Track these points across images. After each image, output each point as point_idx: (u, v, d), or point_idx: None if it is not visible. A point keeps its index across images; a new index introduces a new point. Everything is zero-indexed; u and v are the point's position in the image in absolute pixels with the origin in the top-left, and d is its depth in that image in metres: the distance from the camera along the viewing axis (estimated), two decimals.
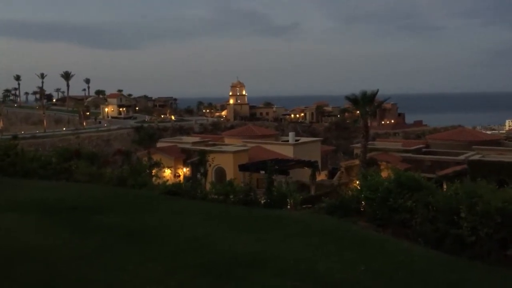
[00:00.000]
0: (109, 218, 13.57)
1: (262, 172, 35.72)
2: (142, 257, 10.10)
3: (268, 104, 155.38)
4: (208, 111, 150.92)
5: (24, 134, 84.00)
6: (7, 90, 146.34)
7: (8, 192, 17.02)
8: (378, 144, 54.63)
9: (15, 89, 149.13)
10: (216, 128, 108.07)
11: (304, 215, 15.98)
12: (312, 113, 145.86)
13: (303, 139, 61.07)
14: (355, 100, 43.32)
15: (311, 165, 43.70)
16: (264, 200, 17.48)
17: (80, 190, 18.07)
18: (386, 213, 14.57)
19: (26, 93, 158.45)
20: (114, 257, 10.03)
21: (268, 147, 51.80)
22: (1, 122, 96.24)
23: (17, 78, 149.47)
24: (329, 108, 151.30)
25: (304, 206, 19.42)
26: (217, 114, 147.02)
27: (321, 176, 48.33)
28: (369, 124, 45.29)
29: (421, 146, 53.94)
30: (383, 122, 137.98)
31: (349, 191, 18.67)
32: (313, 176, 42.50)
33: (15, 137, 60.92)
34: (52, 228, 12.13)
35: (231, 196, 17.07)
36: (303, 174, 43.30)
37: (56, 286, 8.28)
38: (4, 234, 11.31)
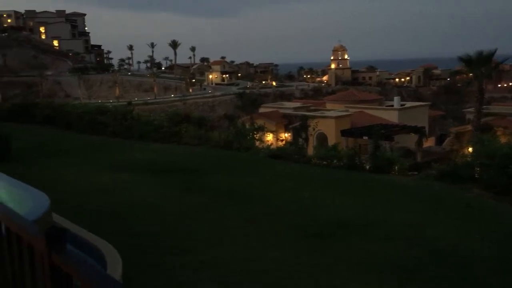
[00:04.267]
0: (215, 178, 14.19)
1: (365, 137, 34.89)
2: (245, 216, 10.46)
3: (371, 68, 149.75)
4: (309, 76, 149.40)
5: (137, 100, 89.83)
6: (121, 60, 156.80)
7: (126, 153, 18.48)
8: (494, 108, 50.47)
9: (129, 58, 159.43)
10: (317, 94, 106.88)
11: (411, 181, 15.43)
12: (419, 77, 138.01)
13: (408, 104, 58.27)
14: (468, 61, 40.08)
15: (418, 130, 41.70)
16: (369, 165, 17.11)
17: (189, 152, 19.06)
18: (505, 180, 13.53)
19: (138, 62, 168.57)
20: (219, 215, 10.50)
21: (371, 112, 50.22)
22: (118, 89, 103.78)
23: (130, 48, 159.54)
24: (437, 71, 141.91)
25: (409, 173, 18.70)
26: (318, 79, 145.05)
27: (428, 142, 46.01)
28: (484, 87, 41.76)
29: None
30: (499, 85, 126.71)
31: (461, 158, 17.57)
32: (419, 142, 40.59)
33: (129, 103, 65.43)
34: (163, 187, 12.99)
35: (335, 161, 16.93)
36: (409, 140, 41.54)
37: (167, 236, 8.91)
38: (124, 191, 12.35)
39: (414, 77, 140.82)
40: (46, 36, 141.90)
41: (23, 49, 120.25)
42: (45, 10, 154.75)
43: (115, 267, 5.78)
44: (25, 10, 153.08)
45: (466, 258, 8.40)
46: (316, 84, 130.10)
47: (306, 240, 9.00)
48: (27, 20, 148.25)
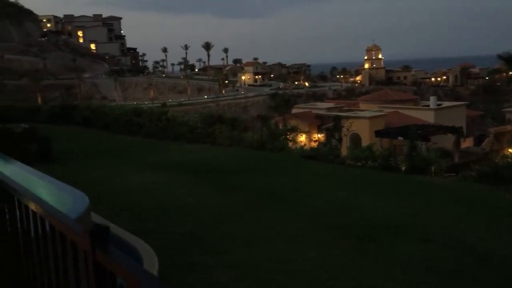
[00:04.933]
0: (250, 179, 14.22)
1: (401, 138, 34.24)
2: (282, 217, 10.43)
3: (406, 68, 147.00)
4: (342, 76, 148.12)
5: (171, 102, 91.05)
6: (156, 62, 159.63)
7: (162, 154, 18.77)
8: None
9: (163, 60, 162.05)
10: (351, 94, 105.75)
11: (449, 183, 15.05)
12: (456, 76, 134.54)
13: (445, 104, 56.88)
14: (509, 59, 38.88)
15: (455, 131, 40.63)
16: (405, 166, 16.79)
17: (223, 153, 19.18)
18: None
19: (172, 64, 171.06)
20: (255, 216, 10.50)
21: (406, 112, 49.27)
22: (152, 91, 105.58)
23: (164, 50, 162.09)
24: (475, 70, 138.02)
25: (447, 174, 18.24)
26: (351, 79, 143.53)
27: (466, 143, 44.77)
28: None
29: None
30: None
31: (502, 158, 17.01)
32: (457, 143, 39.54)
33: (163, 105, 66.40)
34: (199, 187, 13.11)
35: (370, 161, 16.70)
36: (446, 141, 40.53)
37: (203, 236, 8.97)
38: (161, 190, 12.53)
39: (451, 76, 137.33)
40: (84, 40, 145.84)
41: (62, 52, 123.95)
42: (83, 14, 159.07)
43: (151, 266, 5.86)
44: (64, 15, 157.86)
45: (508, 259, 8.15)
46: (349, 84, 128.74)
47: (344, 241, 8.90)
48: (65, 25, 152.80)
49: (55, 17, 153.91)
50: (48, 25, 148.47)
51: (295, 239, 9.02)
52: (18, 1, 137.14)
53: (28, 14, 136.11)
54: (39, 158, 15.48)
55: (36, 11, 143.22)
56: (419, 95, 77.01)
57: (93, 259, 1.43)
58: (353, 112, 49.34)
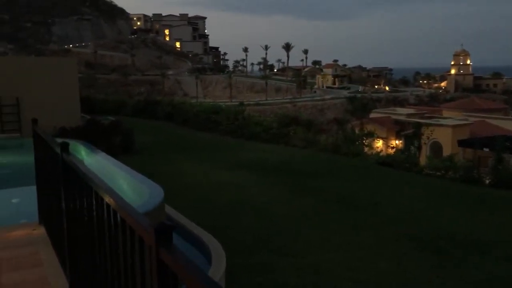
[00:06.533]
0: (323, 182, 14.05)
1: (486, 149, 32.22)
2: (354, 223, 10.20)
3: (497, 75, 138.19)
4: (425, 82, 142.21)
5: (248, 101, 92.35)
6: (236, 61, 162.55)
7: (237, 152, 19.07)
8: None
9: (243, 60, 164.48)
10: (434, 100, 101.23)
11: None
12: None
13: None
14: None
15: None
16: (490, 180, 15.76)
17: (297, 154, 19.12)
18: None
19: (252, 64, 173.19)
20: (326, 220, 10.35)
21: (494, 122, 46.26)
22: (231, 90, 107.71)
23: (245, 50, 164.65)
24: None
25: None
26: (435, 85, 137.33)
27: None
28: None
29: None
30: None
31: None
32: None
33: (241, 104, 67.53)
34: (272, 187, 13.15)
35: (450, 172, 15.87)
36: None
37: (274, 236, 8.98)
38: (234, 188, 12.73)
39: None
40: (170, 38, 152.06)
41: (149, 50, 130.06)
42: (170, 13, 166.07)
43: (219, 262, 5.96)
44: (153, 14, 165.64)
45: None
46: (432, 90, 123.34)
47: (418, 254, 8.53)
48: (154, 23, 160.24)
49: (144, 15, 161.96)
50: (138, 23, 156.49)
51: (365, 247, 8.78)
52: (112, 0, 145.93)
53: (120, 13, 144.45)
54: (123, 149, 16.34)
55: (128, 10, 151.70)
56: (510, 105, 72.02)
57: (157, 256, 1.46)
58: (435, 120, 47.22)
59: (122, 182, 7.50)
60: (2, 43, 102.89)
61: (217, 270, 5.58)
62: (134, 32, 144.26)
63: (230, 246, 7.01)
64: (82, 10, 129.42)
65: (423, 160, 21.99)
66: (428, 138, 35.85)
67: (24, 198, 7.95)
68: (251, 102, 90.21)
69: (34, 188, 5.21)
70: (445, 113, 54.84)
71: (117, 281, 2.08)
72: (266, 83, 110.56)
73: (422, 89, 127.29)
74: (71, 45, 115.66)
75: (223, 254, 6.38)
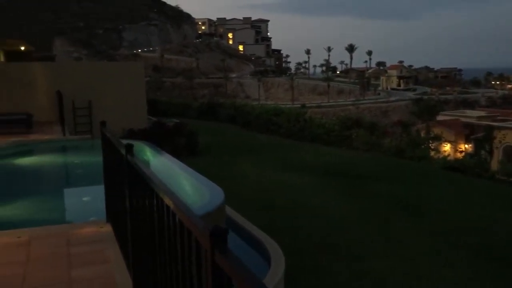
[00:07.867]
0: (385, 186, 13.68)
1: None
2: (416, 230, 9.84)
3: None
4: (498, 82, 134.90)
5: (310, 103, 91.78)
6: (298, 63, 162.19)
7: (298, 155, 18.99)
8: None
9: (305, 62, 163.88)
10: (507, 102, 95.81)
11: None
12: None
13: None
14: None
15: None
16: None
17: (359, 157, 18.75)
18: None
19: (314, 66, 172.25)
20: (388, 226, 10.06)
21: None
22: (293, 92, 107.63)
23: (307, 52, 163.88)
24: None
25: None
26: (510, 86, 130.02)
27: None
28: None
29: None
30: None
31: None
32: None
33: (303, 106, 67.29)
34: (332, 190, 12.98)
35: None
36: None
37: (332, 241, 8.84)
38: (294, 190, 12.69)
39: None
40: (233, 41, 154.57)
41: (213, 53, 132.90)
42: (234, 17, 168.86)
43: (278, 264, 5.95)
44: (217, 18, 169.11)
45: None
46: (506, 92, 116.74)
47: (487, 264, 8.10)
48: (218, 27, 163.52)
49: (209, 20, 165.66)
50: (203, 27, 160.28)
51: (429, 254, 8.45)
52: (179, 6, 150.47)
53: (186, 18, 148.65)
54: (186, 151, 16.77)
55: (193, 15, 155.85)
56: None
57: (212, 259, 1.48)
58: (509, 123, 44.63)
59: (185, 183, 7.69)
60: (77, 49, 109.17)
61: (276, 272, 5.58)
62: (199, 36, 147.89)
63: (288, 248, 6.99)
64: (150, 16, 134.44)
65: (494, 165, 20.88)
66: (500, 142, 33.99)
67: (93, 197, 8.35)
68: (313, 104, 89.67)
69: (102, 187, 5.46)
70: None
71: (176, 282, 2.14)
72: (328, 85, 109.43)
73: (494, 90, 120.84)
74: (139, 50, 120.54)
75: (282, 256, 6.37)
